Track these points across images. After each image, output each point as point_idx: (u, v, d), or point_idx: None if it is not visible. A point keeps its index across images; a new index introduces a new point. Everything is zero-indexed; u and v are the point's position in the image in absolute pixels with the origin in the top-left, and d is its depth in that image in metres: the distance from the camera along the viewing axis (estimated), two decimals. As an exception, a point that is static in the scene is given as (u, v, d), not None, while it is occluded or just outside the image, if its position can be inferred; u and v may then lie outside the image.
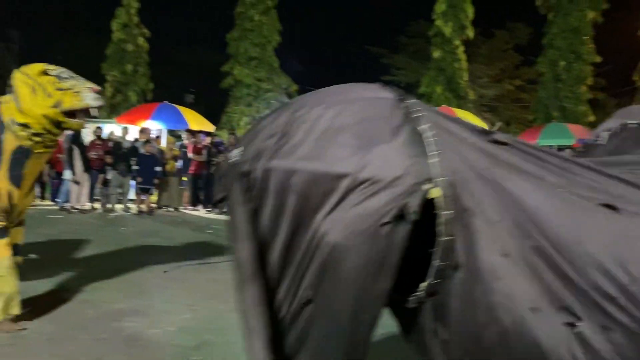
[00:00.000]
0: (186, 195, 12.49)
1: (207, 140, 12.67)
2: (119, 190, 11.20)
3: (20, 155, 3.89)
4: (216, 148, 12.20)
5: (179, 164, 12.09)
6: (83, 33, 35.97)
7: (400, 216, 1.64)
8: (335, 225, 1.63)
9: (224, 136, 18.11)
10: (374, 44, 33.69)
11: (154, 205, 11.53)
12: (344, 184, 1.64)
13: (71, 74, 3.95)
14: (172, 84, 29.40)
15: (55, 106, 3.79)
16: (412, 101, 1.86)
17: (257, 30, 19.23)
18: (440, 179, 1.67)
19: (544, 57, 19.24)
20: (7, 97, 3.97)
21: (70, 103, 3.81)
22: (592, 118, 19.12)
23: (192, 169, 12.03)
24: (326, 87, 2.10)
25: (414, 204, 1.64)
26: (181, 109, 14.86)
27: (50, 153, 4.38)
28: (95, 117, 4.69)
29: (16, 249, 4.15)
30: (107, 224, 9.40)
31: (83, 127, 4.68)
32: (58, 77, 3.85)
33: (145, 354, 3.59)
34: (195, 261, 6.47)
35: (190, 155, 12.09)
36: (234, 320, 4.33)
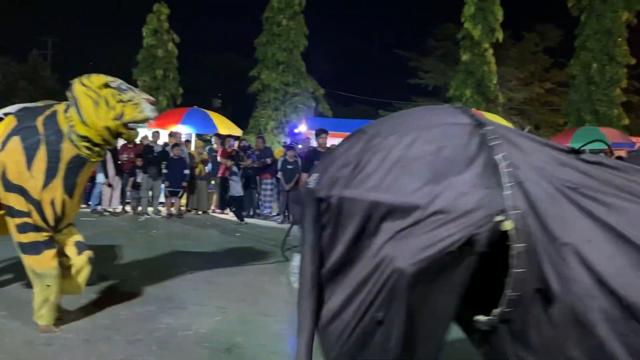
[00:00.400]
0: (215, 198, 12.63)
1: (236, 144, 12.79)
2: (150, 194, 11.39)
3: (77, 165, 3.96)
4: (244, 152, 12.31)
5: (208, 167, 12.24)
6: (114, 39, 36.86)
7: (468, 246, 1.67)
8: (402, 251, 1.69)
9: (252, 140, 18.26)
10: (401, 47, 33.65)
11: (183, 208, 11.69)
12: (414, 215, 1.70)
13: (127, 85, 4.04)
14: (201, 88, 29.86)
15: (117, 118, 3.87)
16: (489, 128, 1.87)
17: (285, 35, 19.33)
18: (514, 211, 1.68)
19: (576, 60, 18.80)
20: (61, 106, 4.02)
21: (131, 115, 3.90)
22: (626, 121, 18.61)
23: (220, 172, 12.17)
24: (402, 111, 2.16)
25: (482, 236, 1.67)
26: (210, 113, 15.04)
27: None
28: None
29: (82, 246, 4.20)
30: (138, 227, 9.56)
31: (137, 137, 4.80)
32: (118, 89, 3.93)
33: (177, 356, 3.65)
34: (225, 265, 6.55)
35: (219, 159, 12.23)
36: (264, 323, 4.42)
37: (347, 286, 1.82)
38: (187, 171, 11.17)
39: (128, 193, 11.24)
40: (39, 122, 3.92)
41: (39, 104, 4.31)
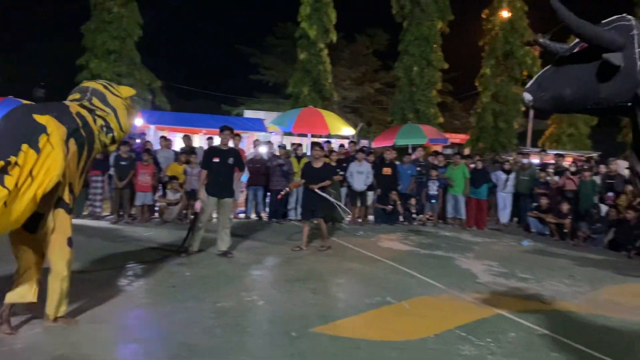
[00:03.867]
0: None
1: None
2: None
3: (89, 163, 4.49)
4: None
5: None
6: None
7: None
8: None
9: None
10: (243, 43, 33.64)
11: None
12: None
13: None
14: (22, 77, 26.70)
15: (132, 122, 4.78)
16: None
17: (117, 23, 18.11)
18: None
19: (400, 63, 20.60)
20: (77, 108, 4.29)
21: (134, 119, 4.71)
22: (441, 119, 20.96)
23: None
24: None
25: None
26: (27, 103, 13.52)
27: None
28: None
29: None
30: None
31: None
32: (132, 99, 4.79)
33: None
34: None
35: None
36: (92, 331, 4.16)
37: None
38: None
39: None
40: (80, 125, 4.20)
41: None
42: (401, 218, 12.42)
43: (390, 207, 12.00)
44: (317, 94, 19.77)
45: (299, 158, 12.00)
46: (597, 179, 11.44)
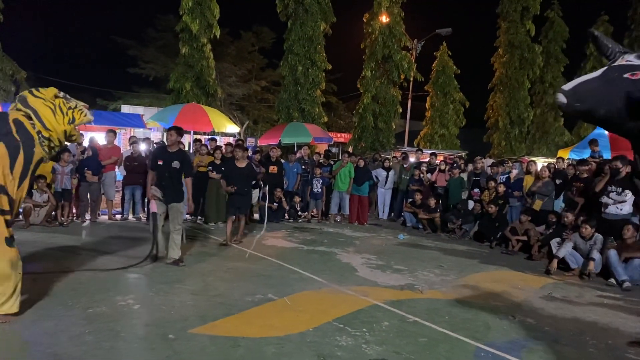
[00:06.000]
0: None
1: None
2: None
3: (37, 167, 4.67)
4: None
5: None
6: None
7: None
8: None
9: None
10: (120, 34, 31.84)
11: None
12: None
13: (67, 95, 4.96)
14: None
15: (70, 122, 4.83)
16: None
17: (-30, 5, 16.29)
18: None
19: (285, 62, 20.72)
20: (17, 114, 4.55)
21: (79, 119, 4.94)
22: (325, 119, 21.48)
23: None
24: None
25: None
26: None
27: None
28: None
29: None
30: None
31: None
32: (65, 98, 4.89)
33: None
34: None
35: None
36: None
37: None
38: None
39: None
40: (13, 130, 4.42)
41: None
42: (286, 216, 12.55)
43: (276, 205, 12.07)
44: (201, 89, 19.28)
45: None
46: (465, 176, 12.45)
